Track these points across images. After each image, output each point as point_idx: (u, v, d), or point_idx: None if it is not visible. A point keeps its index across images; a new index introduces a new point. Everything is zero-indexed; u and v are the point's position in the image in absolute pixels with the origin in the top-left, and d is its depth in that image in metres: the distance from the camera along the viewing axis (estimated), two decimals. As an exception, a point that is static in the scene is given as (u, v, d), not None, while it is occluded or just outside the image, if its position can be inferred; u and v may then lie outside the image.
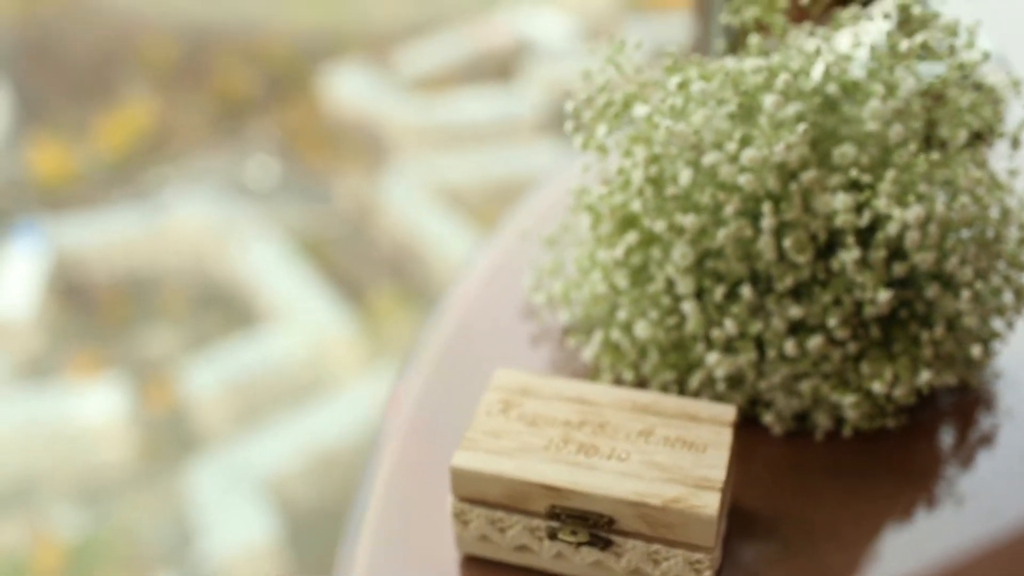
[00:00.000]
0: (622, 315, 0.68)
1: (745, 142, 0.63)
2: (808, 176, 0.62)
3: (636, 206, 0.66)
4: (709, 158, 0.62)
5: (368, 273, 3.51)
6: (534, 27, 4.34)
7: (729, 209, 0.62)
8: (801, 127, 0.61)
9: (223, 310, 3.39)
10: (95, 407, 2.92)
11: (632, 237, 0.67)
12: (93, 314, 3.37)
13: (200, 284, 3.46)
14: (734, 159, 0.63)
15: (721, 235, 0.63)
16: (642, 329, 0.67)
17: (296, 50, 4.16)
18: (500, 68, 4.15)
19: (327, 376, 3.10)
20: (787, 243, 0.62)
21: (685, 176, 0.64)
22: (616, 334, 0.69)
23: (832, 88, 0.64)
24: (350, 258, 3.54)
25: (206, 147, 3.89)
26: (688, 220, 0.63)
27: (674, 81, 0.66)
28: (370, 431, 2.75)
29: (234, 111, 3.97)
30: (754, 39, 0.67)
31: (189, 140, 3.87)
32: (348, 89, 4.10)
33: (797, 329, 0.66)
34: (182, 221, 3.59)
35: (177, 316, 3.34)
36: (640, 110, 0.67)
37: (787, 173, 0.63)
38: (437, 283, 3.45)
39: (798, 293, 0.65)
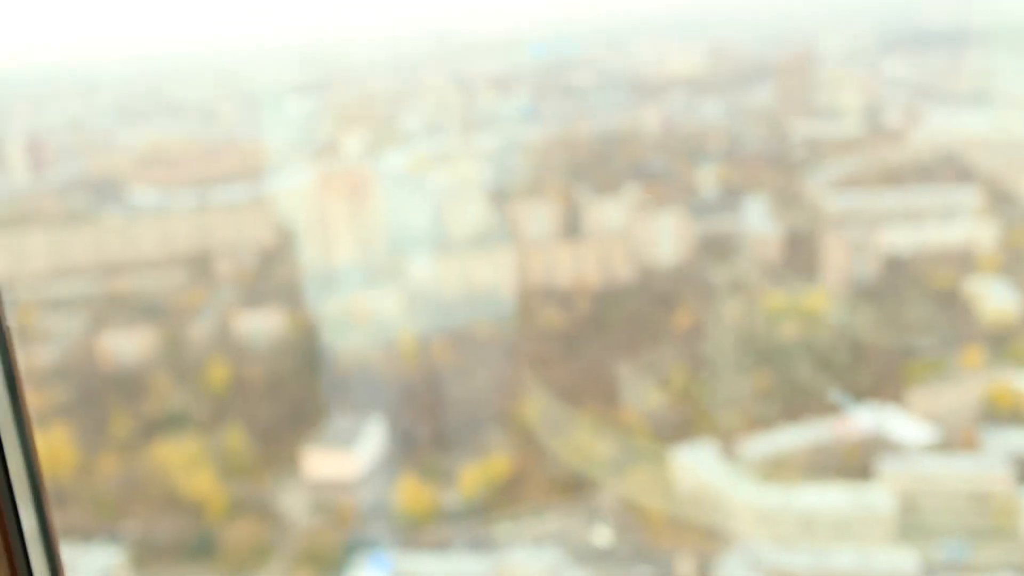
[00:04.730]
0: None
1: None
2: None
3: None
4: None
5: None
6: (889, 427, 4.30)
7: None
8: None
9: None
10: None
11: None
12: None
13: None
14: None
15: None
16: None
17: (651, 425, 4.32)
18: (850, 464, 4.08)
19: None
20: None
21: None
22: None
23: None
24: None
25: (553, 506, 4.04)
26: None
27: None
28: None
29: (585, 474, 4.13)
30: None
31: (538, 497, 4.05)
32: (696, 469, 4.19)
33: None
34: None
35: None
36: None
37: None
38: None
39: None
